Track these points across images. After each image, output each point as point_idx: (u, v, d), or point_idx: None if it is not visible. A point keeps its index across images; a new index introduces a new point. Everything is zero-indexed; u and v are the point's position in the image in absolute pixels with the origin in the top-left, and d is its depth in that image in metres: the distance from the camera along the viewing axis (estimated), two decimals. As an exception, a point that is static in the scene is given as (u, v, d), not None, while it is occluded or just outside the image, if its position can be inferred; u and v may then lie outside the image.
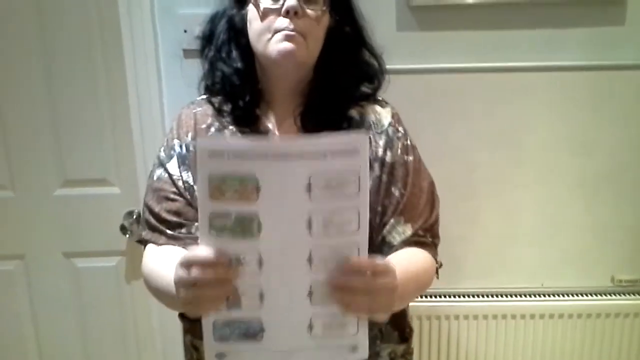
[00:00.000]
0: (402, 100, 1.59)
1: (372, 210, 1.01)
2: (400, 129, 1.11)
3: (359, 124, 1.07)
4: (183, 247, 0.99)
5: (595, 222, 1.76)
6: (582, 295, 1.78)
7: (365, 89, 1.11)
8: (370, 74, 1.11)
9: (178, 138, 1.08)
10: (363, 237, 0.78)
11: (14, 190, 1.75)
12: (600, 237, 1.77)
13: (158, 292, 0.99)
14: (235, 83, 1.05)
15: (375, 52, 1.11)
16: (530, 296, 1.77)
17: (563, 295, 1.78)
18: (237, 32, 1.05)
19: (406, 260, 1.00)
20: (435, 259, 1.10)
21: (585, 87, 1.65)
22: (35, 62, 1.65)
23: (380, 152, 1.06)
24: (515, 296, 1.77)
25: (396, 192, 1.06)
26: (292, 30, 0.97)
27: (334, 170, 0.74)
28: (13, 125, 1.70)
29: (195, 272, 0.76)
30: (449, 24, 1.60)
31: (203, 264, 0.75)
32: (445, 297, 1.77)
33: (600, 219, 1.75)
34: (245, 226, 0.75)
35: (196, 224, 0.99)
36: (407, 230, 1.05)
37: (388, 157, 1.06)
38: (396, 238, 1.04)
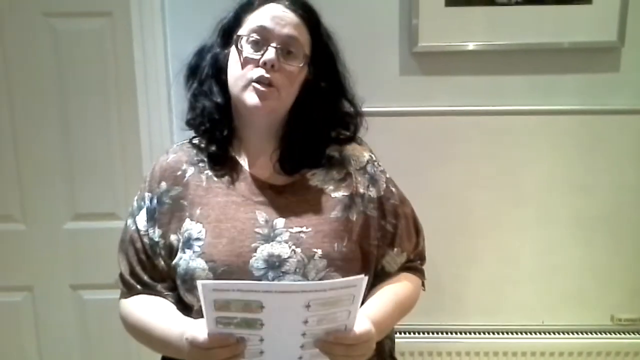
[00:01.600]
0: (403, 141, 1.66)
1: (365, 244, 1.07)
2: (377, 164, 1.15)
3: (339, 162, 1.10)
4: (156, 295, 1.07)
5: (594, 261, 1.79)
6: (582, 334, 1.80)
7: (344, 132, 1.13)
8: (346, 121, 1.12)
9: (149, 190, 1.08)
10: (352, 322, 0.88)
11: (25, 223, 1.79)
12: (599, 276, 1.80)
13: (149, 341, 1.05)
14: (215, 117, 1.06)
15: (354, 102, 1.11)
16: (530, 334, 1.79)
17: (563, 334, 1.79)
18: (219, 69, 1.07)
19: (393, 295, 1.09)
20: (423, 279, 1.20)
21: (582, 130, 1.70)
22: (50, 100, 1.72)
23: (361, 188, 1.09)
24: (516, 334, 1.79)
25: (388, 226, 1.11)
26: (267, 83, 0.99)
27: (333, 296, 0.83)
28: (26, 160, 1.75)
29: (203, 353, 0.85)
30: (450, 69, 1.67)
31: (210, 347, 0.85)
32: (445, 333, 1.78)
33: (598, 258, 1.78)
34: (250, 324, 0.84)
35: (159, 286, 1.07)
36: (402, 258, 1.14)
37: (373, 193, 1.10)
38: (393, 267, 1.14)
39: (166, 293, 1.08)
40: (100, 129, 1.74)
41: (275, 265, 0.99)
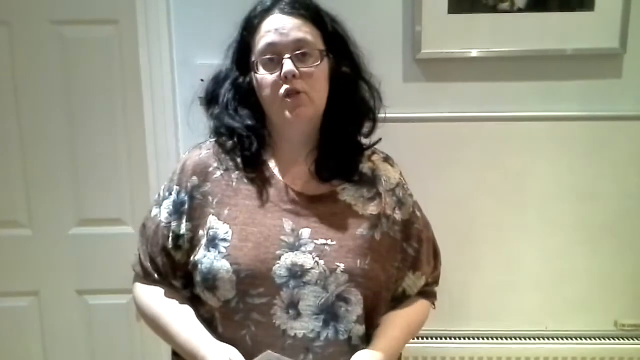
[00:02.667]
0: (407, 147, 1.66)
1: (387, 265, 1.09)
2: (406, 187, 1.17)
3: (370, 180, 1.12)
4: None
5: (598, 267, 1.79)
6: (585, 339, 1.79)
7: (365, 131, 1.13)
8: (369, 108, 1.12)
9: (178, 184, 1.09)
10: None
11: (31, 229, 1.81)
12: (603, 282, 1.80)
13: (167, 339, 1.07)
14: (243, 134, 1.07)
15: (370, 83, 1.12)
16: (534, 339, 1.79)
17: (567, 339, 1.79)
18: (243, 94, 1.08)
19: (406, 324, 1.13)
20: (434, 300, 1.25)
21: (584, 136, 1.71)
22: (57, 106, 1.74)
23: (388, 210, 1.10)
24: (519, 339, 1.79)
25: (410, 249, 1.14)
26: (295, 93, 1.01)
27: None
28: (32, 165, 1.77)
29: None
30: (453, 76, 1.68)
31: None
32: (448, 339, 1.79)
33: (602, 264, 1.79)
34: None
35: (175, 281, 1.10)
36: (421, 282, 1.18)
37: (399, 216, 1.12)
38: (413, 290, 1.17)
39: (180, 288, 1.10)
40: (106, 134, 1.75)
41: (297, 274, 1.00)
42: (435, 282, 1.25)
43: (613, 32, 1.64)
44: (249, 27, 1.06)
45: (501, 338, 1.79)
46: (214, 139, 1.14)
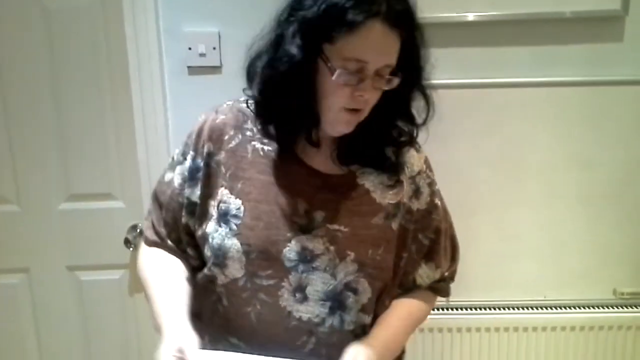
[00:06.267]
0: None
1: (398, 256, 1.05)
2: (430, 174, 1.11)
3: (393, 166, 1.04)
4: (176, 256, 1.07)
5: (597, 236, 1.77)
6: (584, 308, 1.79)
7: (404, 130, 1.04)
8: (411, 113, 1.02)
9: (194, 150, 1.04)
10: None
11: (19, 205, 1.77)
12: (602, 251, 1.78)
13: (149, 301, 1.03)
14: (294, 119, 0.96)
15: (427, 93, 1.02)
16: (532, 309, 1.78)
17: (565, 308, 1.78)
18: (298, 75, 0.92)
19: (408, 317, 1.09)
20: (446, 296, 1.19)
21: (585, 103, 1.67)
22: (42, 79, 1.68)
23: (405, 198, 1.05)
24: (517, 309, 1.78)
25: (425, 240, 1.09)
26: (360, 108, 0.93)
27: None
28: (20, 141, 1.72)
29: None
30: (449, 41, 1.63)
31: None
32: (446, 309, 1.77)
33: (601, 233, 1.76)
34: None
35: (187, 249, 1.07)
36: (436, 274, 1.13)
37: (414, 205, 1.07)
38: (425, 281, 1.12)
39: (194, 257, 1.07)
40: (93, 107, 1.70)
41: (306, 259, 0.97)
42: (452, 277, 1.19)
43: (614, -7, 1.59)
44: (341, 17, 0.86)
45: (500, 308, 1.78)
46: (230, 103, 1.06)
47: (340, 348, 0.97)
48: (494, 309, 1.78)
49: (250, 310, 0.98)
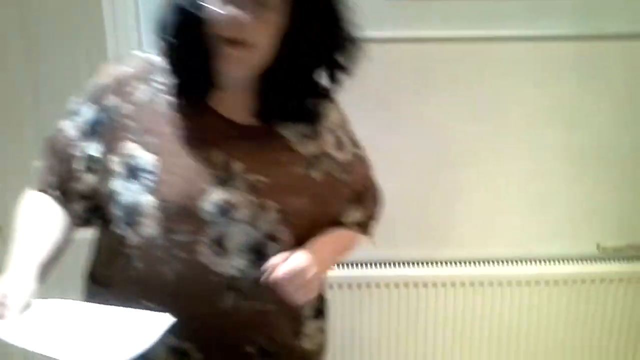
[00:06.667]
0: (388, 70, 1.59)
1: (323, 205, 1.04)
2: (348, 127, 1.11)
3: (312, 116, 1.01)
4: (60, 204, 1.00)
5: (581, 191, 1.77)
6: (567, 262, 1.80)
7: (322, 83, 1.01)
8: (345, 48, 0.97)
9: (95, 102, 0.98)
10: None
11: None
12: (585, 206, 1.78)
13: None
14: (190, 73, 0.95)
15: (348, 46, 0.96)
16: (515, 263, 1.79)
17: (549, 263, 1.80)
18: (196, 20, 0.90)
19: (335, 236, 1.07)
20: (370, 236, 1.20)
21: (572, 58, 1.64)
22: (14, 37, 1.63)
23: (328, 149, 1.04)
24: (501, 263, 1.79)
25: (349, 189, 1.09)
26: (239, 43, 0.88)
27: None
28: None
29: None
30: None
31: None
32: (430, 264, 1.78)
33: (586, 188, 1.77)
34: None
35: (75, 204, 1.00)
36: (358, 215, 1.13)
37: (339, 156, 1.06)
38: (348, 222, 1.12)
39: (80, 213, 1.01)
40: (64, 36, 1.63)
41: (226, 211, 0.93)
42: (377, 219, 1.20)
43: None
44: None
45: (483, 263, 1.79)
46: (137, 54, 1.02)
47: (263, 301, 0.97)
48: (477, 263, 1.79)
49: (167, 269, 0.94)
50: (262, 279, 0.92)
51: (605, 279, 1.79)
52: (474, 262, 1.80)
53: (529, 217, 1.78)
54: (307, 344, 1.10)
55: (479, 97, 1.67)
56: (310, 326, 1.10)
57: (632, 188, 1.77)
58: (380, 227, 1.71)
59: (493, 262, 1.80)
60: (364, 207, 1.14)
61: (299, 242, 1.00)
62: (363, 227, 1.16)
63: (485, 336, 1.82)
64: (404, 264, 1.78)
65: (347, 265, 1.77)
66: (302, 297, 0.96)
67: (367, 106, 1.53)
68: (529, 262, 1.80)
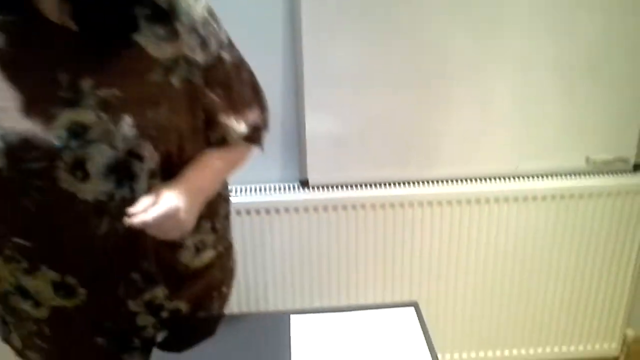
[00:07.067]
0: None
1: (189, 115, 0.95)
2: (215, 25, 0.97)
3: (165, 14, 0.90)
4: None
5: (571, 105, 1.71)
6: (556, 177, 1.77)
7: None
8: None
9: None
10: None
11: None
12: (575, 119, 1.73)
13: None
14: None
15: None
16: (504, 179, 1.75)
17: (537, 178, 1.76)
18: None
19: (212, 159, 1.02)
20: (260, 146, 1.11)
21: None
22: None
23: (187, 51, 0.92)
24: (489, 180, 1.75)
25: (219, 95, 0.99)
26: None
27: None
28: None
29: None
30: None
31: None
32: (416, 184, 1.74)
33: (576, 102, 1.71)
34: None
35: None
36: (242, 128, 1.04)
37: (200, 58, 0.94)
38: (233, 137, 1.04)
39: None
40: None
41: (78, 133, 0.84)
42: (265, 126, 1.10)
43: None
44: None
45: (470, 180, 1.75)
46: None
47: None
48: (464, 181, 1.75)
49: (27, 202, 0.87)
50: (129, 222, 0.85)
51: (593, 194, 1.76)
52: (461, 180, 1.75)
53: (517, 131, 1.73)
54: (196, 262, 1.06)
55: (470, 11, 1.58)
56: (199, 242, 1.05)
57: (622, 101, 1.72)
58: (363, 147, 1.70)
59: (480, 179, 1.75)
60: (242, 115, 1.03)
61: (168, 157, 0.93)
62: (250, 139, 1.07)
63: (473, 255, 1.80)
64: (388, 184, 1.73)
65: (330, 187, 1.71)
66: (175, 236, 0.93)
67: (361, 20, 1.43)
68: (517, 179, 1.76)
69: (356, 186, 1.73)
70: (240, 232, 1.69)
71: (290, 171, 1.76)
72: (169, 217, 0.88)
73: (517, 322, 1.90)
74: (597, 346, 1.97)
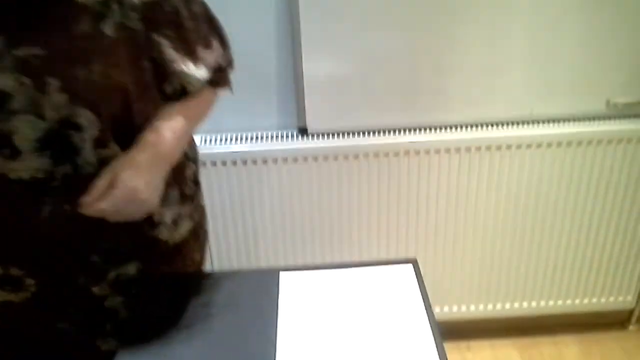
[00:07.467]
0: None
1: (132, 67, 0.82)
2: None
3: None
4: None
5: (590, 42, 1.57)
6: (574, 122, 1.65)
7: None
8: None
9: None
10: None
11: None
12: (594, 58, 1.60)
13: None
14: None
15: None
16: (519, 125, 1.64)
17: (553, 123, 1.65)
18: None
19: (175, 111, 0.90)
20: (228, 87, 1.00)
21: None
22: None
23: None
24: (501, 126, 1.64)
25: (166, 39, 0.85)
26: None
27: None
28: None
29: None
30: None
31: None
32: (425, 130, 1.63)
33: (595, 38, 1.57)
34: None
35: None
36: (203, 72, 0.91)
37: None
38: (196, 85, 0.91)
39: None
40: None
41: None
42: (230, 63, 0.98)
43: None
44: None
45: (481, 126, 1.64)
46: None
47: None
48: (476, 127, 1.64)
49: None
50: (84, 212, 0.77)
51: (614, 139, 1.64)
52: (470, 126, 1.64)
53: (532, 72, 1.60)
54: (176, 236, 0.96)
55: None
56: (168, 214, 0.94)
57: (647, 38, 1.58)
58: (365, 91, 1.59)
59: (491, 125, 1.64)
60: (200, 57, 0.90)
61: (116, 122, 0.81)
62: (215, 82, 0.95)
63: (482, 206, 1.70)
64: (392, 131, 1.63)
65: (330, 135, 1.62)
66: (138, 216, 0.83)
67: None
68: (532, 124, 1.64)
69: (358, 133, 1.63)
70: (234, 182, 1.61)
71: (288, 118, 1.66)
72: (129, 200, 0.78)
73: (528, 275, 1.83)
74: (611, 299, 1.89)
